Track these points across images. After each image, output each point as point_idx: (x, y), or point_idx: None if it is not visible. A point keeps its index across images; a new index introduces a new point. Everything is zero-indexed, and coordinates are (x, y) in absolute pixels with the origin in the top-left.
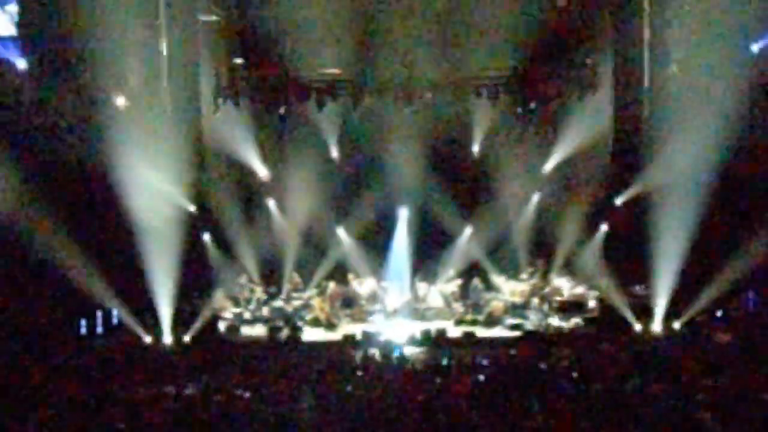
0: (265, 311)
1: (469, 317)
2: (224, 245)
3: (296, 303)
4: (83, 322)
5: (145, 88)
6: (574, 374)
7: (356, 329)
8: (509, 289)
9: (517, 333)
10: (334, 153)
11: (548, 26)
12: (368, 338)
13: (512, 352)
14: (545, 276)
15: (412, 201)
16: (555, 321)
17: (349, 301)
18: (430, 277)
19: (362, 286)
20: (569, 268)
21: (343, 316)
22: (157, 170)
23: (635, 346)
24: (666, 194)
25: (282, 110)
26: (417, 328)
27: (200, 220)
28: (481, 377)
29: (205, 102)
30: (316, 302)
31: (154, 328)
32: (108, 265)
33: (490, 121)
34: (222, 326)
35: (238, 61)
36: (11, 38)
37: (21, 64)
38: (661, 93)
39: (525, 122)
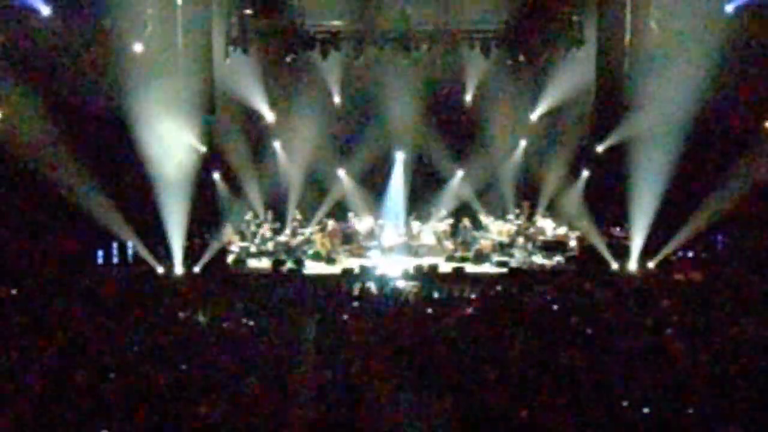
0: (269, 245)
1: (458, 254)
2: (233, 184)
3: (299, 238)
4: (100, 253)
5: (161, 36)
6: (555, 308)
7: (354, 264)
8: (496, 228)
9: (503, 269)
10: (337, 99)
11: None
12: (365, 272)
13: (498, 286)
14: (530, 217)
15: (408, 145)
16: (538, 259)
17: (348, 238)
18: (423, 216)
19: (360, 223)
20: (552, 210)
21: (342, 251)
22: (171, 113)
23: (612, 283)
24: (643, 143)
25: (289, 59)
26: (410, 263)
27: (211, 160)
28: (469, 309)
29: (216, 50)
30: (317, 238)
31: (166, 259)
32: (124, 200)
33: (482, 72)
34: (229, 259)
35: (248, 11)
36: None
37: (45, 10)
38: (640, 49)
39: (514, 74)
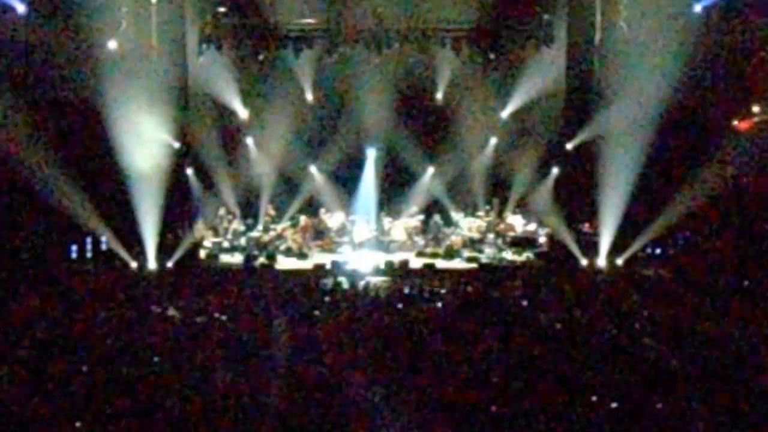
0: (242, 241)
1: (429, 250)
2: (206, 179)
3: (271, 234)
4: (74, 247)
5: (135, 33)
6: (524, 303)
7: (326, 259)
8: (467, 224)
9: (473, 265)
10: (309, 96)
11: None
12: (337, 267)
13: (468, 282)
14: (500, 213)
15: (380, 142)
16: (508, 255)
17: (319, 233)
18: (394, 212)
19: (332, 219)
20: (522, 207)
21: (314, 246)
22: (145, 109)
23: (581, 279)
24: (612, 140)
25: (261, 56)
26: (381, 259)
27: (184, 156)
28: (439, 305)
29: (190, 47)
30: (289, 233)
31: (140, 254)
32: (98, 195)
33: (453, 70)
34: (202, 254)
35: (222, 9)
36: None
37: (20, 7)
38: (610, 47)
39: (485, 72)
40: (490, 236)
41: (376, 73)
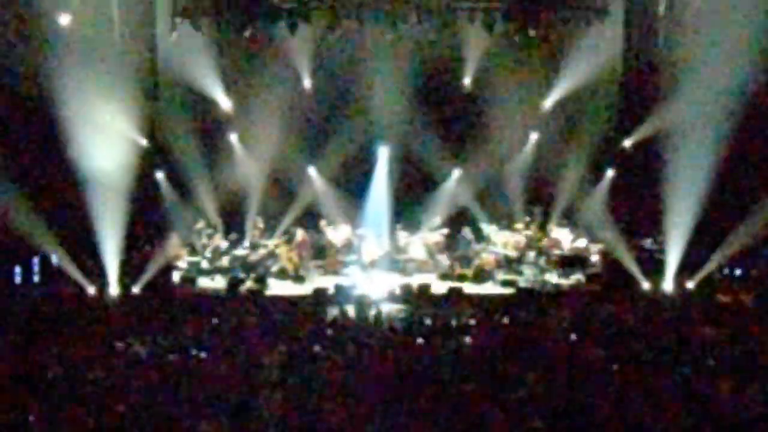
0: (225, 261)
1: (455, 271)
2: (180, 185)
3: (260, 252)
4: (17, 270)
5: (93, 6)
6: (573, 338)
7: (328, 282)
8: (502, 240)
9: (509, 290)
10: (307, 83)
11: None
12: (341, 293)
13: (504, 311)
14: (543, 226)
15: (394, 138)
16: (553, 277)
17: (320, 251)
18: (412, 225)
19: (335, 233)
20: (570, 218)
21: (314, 267)
22: (105, 100)
23: (643, 307)
24: (681, 135)
25: (248, 33)
26: (397, 282)
27: (153, 157)
28: (467, 339)
29: (160, 22)
30: (282, 251)
31: (99, 277)
32: (47, 206)
33: (485, 50)
34: (176, 277)
35: None
36: None
37: None
38: (676, 20)
39: (524, 53)
40: (531, 254)
41: (389, 54)
